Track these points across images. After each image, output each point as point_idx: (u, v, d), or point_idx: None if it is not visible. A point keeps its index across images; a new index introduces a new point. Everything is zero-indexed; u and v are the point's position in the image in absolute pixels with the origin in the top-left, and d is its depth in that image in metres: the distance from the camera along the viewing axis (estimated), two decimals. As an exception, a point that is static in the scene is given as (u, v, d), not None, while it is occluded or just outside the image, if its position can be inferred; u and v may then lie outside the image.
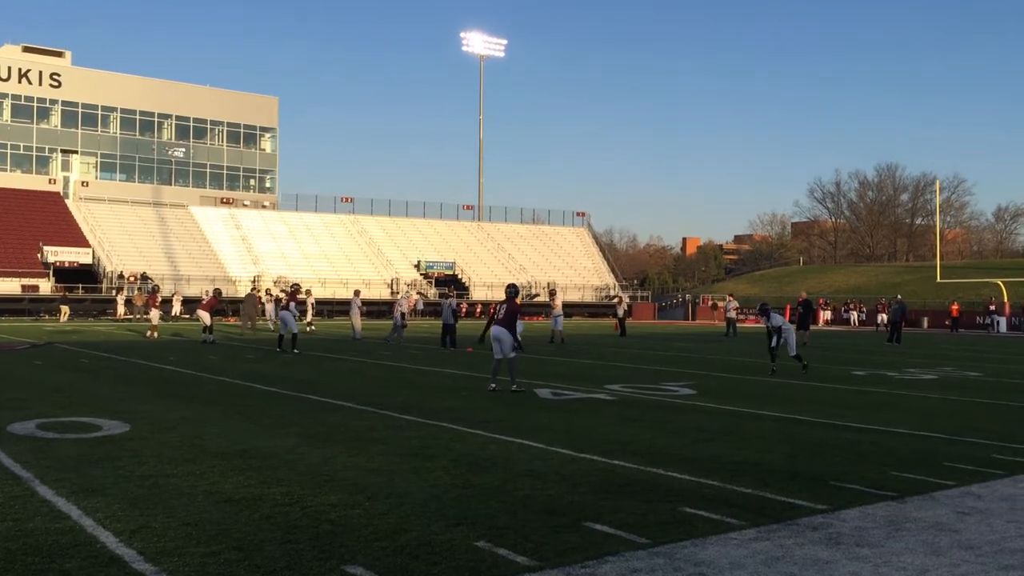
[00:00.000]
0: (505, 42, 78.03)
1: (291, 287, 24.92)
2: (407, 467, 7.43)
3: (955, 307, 46.95)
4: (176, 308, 45.08)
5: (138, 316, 39.00)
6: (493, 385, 13.37)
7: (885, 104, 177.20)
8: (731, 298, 38.03)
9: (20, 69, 62.63)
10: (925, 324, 50.36)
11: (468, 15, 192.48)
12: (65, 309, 41.44)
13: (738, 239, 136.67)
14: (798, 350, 18.01)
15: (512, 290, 13.89)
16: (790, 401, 12.69)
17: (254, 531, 5.43)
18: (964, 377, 17.35)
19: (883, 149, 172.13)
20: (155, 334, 27.51)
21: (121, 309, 43.24)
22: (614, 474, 7.30)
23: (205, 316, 25.02)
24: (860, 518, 5.93)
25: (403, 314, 26.37)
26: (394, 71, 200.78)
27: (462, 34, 76.56)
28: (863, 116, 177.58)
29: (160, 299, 31.02)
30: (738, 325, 36.64)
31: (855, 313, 54.10)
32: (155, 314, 28.64)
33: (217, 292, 27.12)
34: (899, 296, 41.82)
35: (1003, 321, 47.55)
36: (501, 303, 13.74)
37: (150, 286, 42.19)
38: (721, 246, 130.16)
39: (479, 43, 76.25)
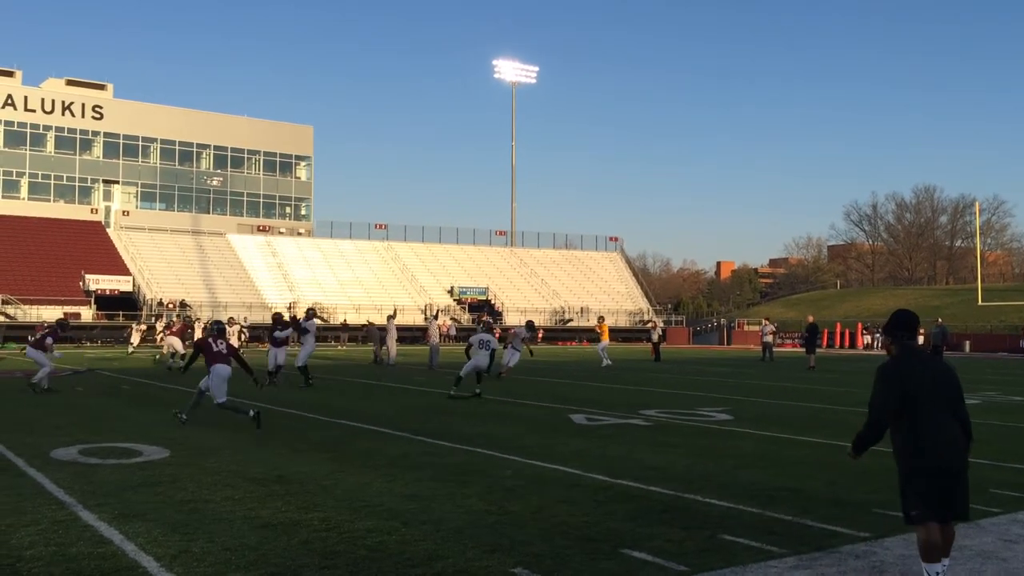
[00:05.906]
0: (537, 69, 78.48)
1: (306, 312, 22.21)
2: (442, 493, 7.43)
3: None
4: (240, 337, 40.36)
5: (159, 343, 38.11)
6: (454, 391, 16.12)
7: (921, 126, 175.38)
8: (767, 322, 37.59)
9: (64, 102, 64.29)
10: (967, 348, 49.37)
11: (500, 43, 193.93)
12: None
13: (773, 263, 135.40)
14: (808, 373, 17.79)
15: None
16: (829, 426, 12.51)
17: (292, 556, 5.46)
18: (1008, 402, 16.98)
19: (920, 171, 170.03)
20: (164, 358, 27.54)
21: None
22: (651, 500, 7.23)
23: (175, 343, 25.02)
24: (904, 546, 5.82)
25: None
26: (427, 99, 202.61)
27: (494, 62, 77.21)
28: (899, 138, 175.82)
29: (185, 328, 30.97)
30: (774, 349, 36.23)
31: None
32: (175, 341, 27.18)
33: (187, 320, 27.11)
34: (939, 320, 41.12)
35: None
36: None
37: (174, 316, 41.69)
38: (756, 270, 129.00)
39: (511, 70, 76.79)
